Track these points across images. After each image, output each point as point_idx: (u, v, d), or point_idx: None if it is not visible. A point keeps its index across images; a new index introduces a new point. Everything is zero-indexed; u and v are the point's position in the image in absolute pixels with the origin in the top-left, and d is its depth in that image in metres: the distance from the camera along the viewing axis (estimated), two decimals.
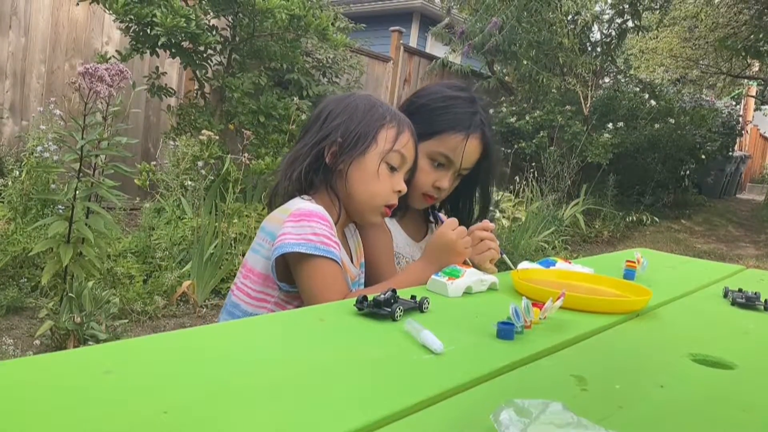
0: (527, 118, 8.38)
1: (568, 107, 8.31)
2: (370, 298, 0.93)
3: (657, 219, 8.76)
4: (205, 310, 3.73)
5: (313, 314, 0.91)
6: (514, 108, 8.78)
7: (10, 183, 3.96)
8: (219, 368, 0.70)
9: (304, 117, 5.00)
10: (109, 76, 3.07)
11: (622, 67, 9.80)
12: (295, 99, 5.24)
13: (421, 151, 1.45)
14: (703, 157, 9.80)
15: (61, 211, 3.45)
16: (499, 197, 6.23)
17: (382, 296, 0.92)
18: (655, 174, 9.06)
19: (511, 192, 6.75)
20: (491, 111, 8.55)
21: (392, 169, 1.31)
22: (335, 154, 1.30)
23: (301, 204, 1.24)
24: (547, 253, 5.59)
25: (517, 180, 6.85)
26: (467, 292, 1.13)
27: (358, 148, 1.28)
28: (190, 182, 4.39)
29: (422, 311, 0.97)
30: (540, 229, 5.92)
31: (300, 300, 1.23)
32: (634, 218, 8.41)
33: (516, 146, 8.13)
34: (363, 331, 0.86)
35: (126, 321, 3.17)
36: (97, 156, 3.22)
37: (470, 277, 1.13)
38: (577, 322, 1.00)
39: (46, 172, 3.40)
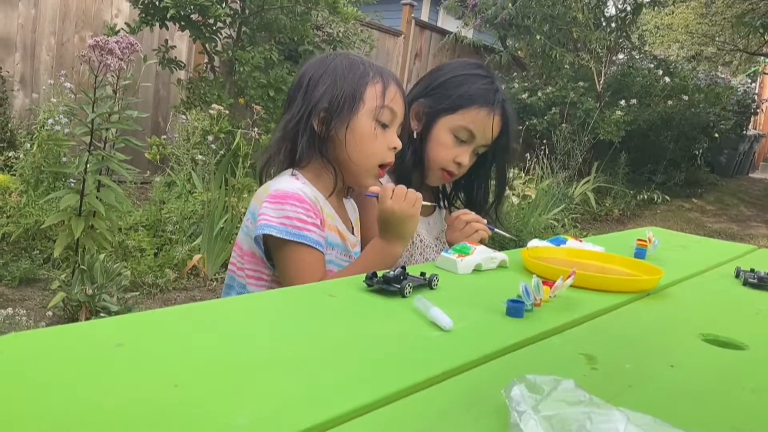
0: (539, 94, 8.30)
1: (580, 83, 8.22)
2: (379, 274, 0.93)
3: (668, 198, 8.69)
4: (215, 283, 3.75)
5: (323, 290, 0.91)
6: (526, 84, 8.69)
7: (21, 156, 3.98)
8: (229, 342, 0.70)
9: None
10: (119, 49, 3.06)
11: (636, 43, 9.66)
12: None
13: (443, 126, 1.47)
14: (717, 135, 9.70)
15: (72, 184, 3.47)
16: (510, 175, 6.20)
17: (392, 273, 0.92)
18: (668, 152, 8.98)
19: (521, 169, 6.72)
20: (503, 87, 8.48)
21: (383, 126, 1.28)
22: (324, 122, 1.26)
23: (280, 184, 1.23)
24: (556, 231, 5.57)
25: (528, 157, 6.81)
26: (477, 269, 1.13)
27: (347, 111, 1.25)
28: (200, 156, 4.39)
29: (431, 288, 0.97)
30: (550, 207, 5.89)
31: None
32: (645, 197, 8.36)
33: (527, 123, 8.07)
34: (372, 308, 0.86)
35: (137, 293, 3.20)
36: (107, 129, 3.23)
37: (480, 254, 1.13)
38: (588, 301, 1.00)
39: (57, 145, 3.40)
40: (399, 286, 0.90)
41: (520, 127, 8.00)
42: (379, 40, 8.08)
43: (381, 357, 0.70)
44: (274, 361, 0.66)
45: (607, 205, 7.57)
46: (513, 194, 6.11)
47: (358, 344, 0.73)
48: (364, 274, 0.93)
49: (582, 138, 7.62)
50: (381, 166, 1.29)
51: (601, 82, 8.31)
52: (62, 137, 3.62)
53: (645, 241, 1.50)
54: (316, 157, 1.28)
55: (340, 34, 6.16)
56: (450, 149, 1.47)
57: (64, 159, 3.74)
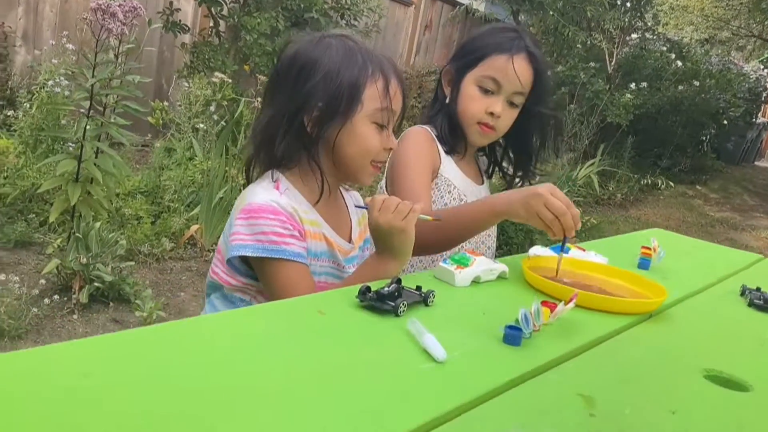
0: (549, 73, 8.17)
1: (591, 64, 8.09)
2: (373, 288, 0.89)
3: (672, 183, 8.63)
4: (212, 254, 3.72)
5: (313, 305, 0.87)
6: None
7: (21, 115, 3.92)
8: (208, 368, 0.66)
9: None
10: (122, 12, 2.99)
11: (650, 23, 9.49)
12: None
13: (469, 81, 1.46)
14: (726, 122, 9.59)
15: (71, 148, 3.42)
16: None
17: (386, 289, 0.88)
18: (675, 137, 8.89)
19: None
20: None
21: (382, 127, 1.18)
22: (317, 122, 1.14)
23: (255, 197, 1.13)
24: None
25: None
26: (476, 281, 1.09)
27: (344, 113, 1.14)
28: (201, 125, 4.33)
29: (427, 305, 0.93)
30: None
31: None
32: (649, 181, 8.30)
33: None
34: (364, 328, 0.82)
35: (132, 263, 3.17)
36: (107, 95, 3.17)
37: (479, 266, 1.09)
38: (588, 324, 0.96)
39: (55, 108, 3.35)
40: (393, 304, 0.87)
41: None
42: (389, 9, 7.93)
43: (368, 392, 0.66)
44: (255, 390, 0.62)
45: (611, 189, 7.52)
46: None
47: (344, 374, 0.69)
48: (358, 288, 0.89)
49: (590, 120, 7.53)
50: (374, 162, 1.20)
51: (612, 63, 8.19)
52: (62, 100, 3.55)
53: (650, 250, 1.46)
54: (305, 160, 1.17)
55: (349, 2, 6.04)
56: (479, 101, 1.45)
57: (64, 122, 3.68)
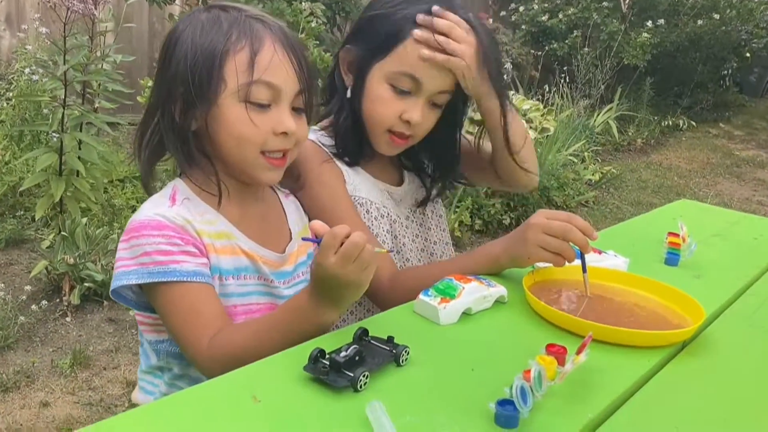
0: (560, 15, 7.81)
1: (604, 3, 7.72)
2: (327, 351, 0.70)
3: (694, 123, 8.31)
4: None
5: (246, 386, 0.68)
6: (546, 5, 8.17)
7: (4, 105, 3.74)
8: None
9: (314, 24, 4.61)
10: None
11: None
12: (304, 2, 4.82)
13: (377, 76, 1.14)
14: (748, 55, 9.17)
15: (54, 139, 3.24)
16: (528, 107, 5.85)
17: (344, 352, 0.69)
18: (695, 74, 8.53)
19: (539, 100, 6.36)
20: (521, 9, 7.99)
21: (261, 106, 0.96)
22: (183, 112, 0.96)
23: (138, 213, 0.96)
24: (575, 168, 5.27)
25: (546, 88, 6.43)
26: (466, 313, 0.89)
27: (206, 96, 0.94)
28: None
29: (399, 365, 0.74)
30: (570, 141, 5.57)
31: None
32: (670, 123, 7.98)
33: (547, 48, 7.63)
34: (309, 417, 0.63)
35: None
36: (82, 81, 2.97)
37: (470, 294, 0.89)
38: (605, 372, 0.77)
39: (27, 100, 3.16)
40: (351, 376, 0.67)
41: (539, 53, 7.58)
42: None
43: None
44: None
45: (630, 134, 7.22)
46: (530, 128, 5.79)
47: None
48: (306, 353, 0.70)
49: (605, 63, 7.20)
50: (266, 154, 0.98)
51: (626, 1, 7.79)
52: (40, 89, 3.36)
53: (678, 238, 1.25)
54: (201, 157, 0.98)
55: None
56: (392, 103, 1.13)
57: (46, 111, 3.49)
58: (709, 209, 1.70)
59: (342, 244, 0.80)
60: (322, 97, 1.22)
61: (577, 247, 0.98)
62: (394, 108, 1.13)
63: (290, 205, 1.14)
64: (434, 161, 1.30)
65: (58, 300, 2.78)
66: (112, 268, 2.93)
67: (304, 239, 1.05)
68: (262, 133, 0.95)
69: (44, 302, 2.69)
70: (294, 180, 1.12)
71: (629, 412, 0.71)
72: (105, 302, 2.83)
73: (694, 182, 6.06)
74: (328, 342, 0.74)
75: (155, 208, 0.95)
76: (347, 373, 0.68)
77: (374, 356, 0.72)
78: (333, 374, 0.68)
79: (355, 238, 0.80)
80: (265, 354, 0.75)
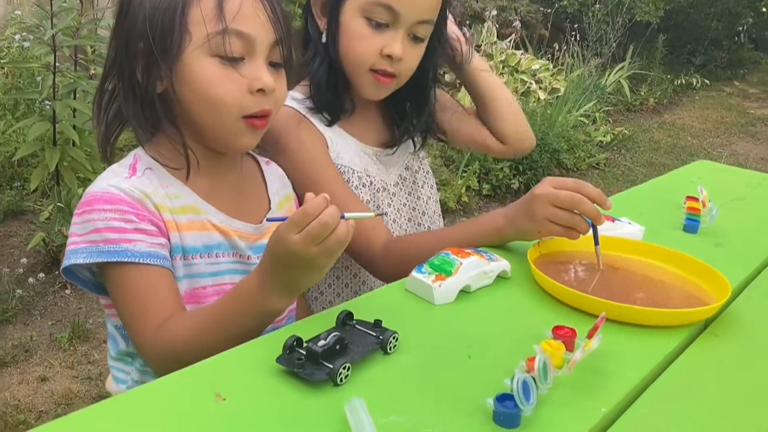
0: None
1: None
2: (305, 339, 0.62)
3: (708, 81, 8.11)
4: None
5: (207, 384, 0.60)
6: None
7: None
8: None
9: None
10: None
11: None
12: None
13: (351, 10, 1.05)
14: (765, 10, 8.90)
15: (48, 105, 3.15)
16: (538, 67, 5.69)
17: (323, 341, 0.61)
18: (709, 31, 8.29)
19: (549, 59, 6.19)
20: None
21: (233, 60, 0.85)
22: (145, 70, 0.85)
23: (94, 185, 0.87)
24: (586, 129, 5.14)
25: (556, 46, 6.26)
26: (465, 291, 0.81)
27: (168, 51, 0.83)
28: None
29: (387, 352, 0.66)
30: (581, 102, 5.42)
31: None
32: (683, 81, 7.79)
33: (556, 5, 7.41)
34: (281, 416, 0.55)
35: None
36: (73, 47, 2.87)
37: (468, 270, 0.80)
38: (618, 360, 0.68)
39: (17, 67, 3.06)
40: (330, 368, 0.59)
41: (549, 11, 7.37)
42: None
43: None
44: None
45: (643, 93, 7.05)
46: (540, 88, 5.65)
47: None
48: (281, 343, 0.62)
49: (616, 20, 6.99)
50: (245, 118, 0.88)
51: None
52: (32, 55, 3.26)
53: (697, 203, 1.15)
54: (165, 123, 0.88)
55: None
56: (369, 39, 1.05)
57: (39, 78, 3.40)
58: (728, 170, 1.60)
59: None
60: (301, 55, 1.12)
61: (589, 219, 0.88)
62: (372, 43, 1.05)
63: (272, 173, 1.04)
64: (414, 104, 1.20)
65: (57, 272, 2.73)
66: None
67: (269, 220, 0.95)
68: (237, 92, 0.85)
69: (41, 275, 2.63)
70: (272, 145, 1.03)
71: (648, 404, 0.63)
72: None
73: (708, 142, 5.92)
74: (306, 329, 0.66)
75: (112, 178, 0.86)
76: (326, 364, 0.60)
77: (358, 344, 0.64)
78: (310, 366, 0.60)
79: (326, 218, 0.69)
80: (207, 353, 0.67)
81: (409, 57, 1.08)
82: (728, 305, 0.84)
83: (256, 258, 0.94)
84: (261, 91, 0.86)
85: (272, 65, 0.89)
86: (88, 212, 0.83)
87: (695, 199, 1.17)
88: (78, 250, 0.82)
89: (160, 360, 0.78)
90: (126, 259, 0.81)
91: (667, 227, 1.12)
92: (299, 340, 0.62)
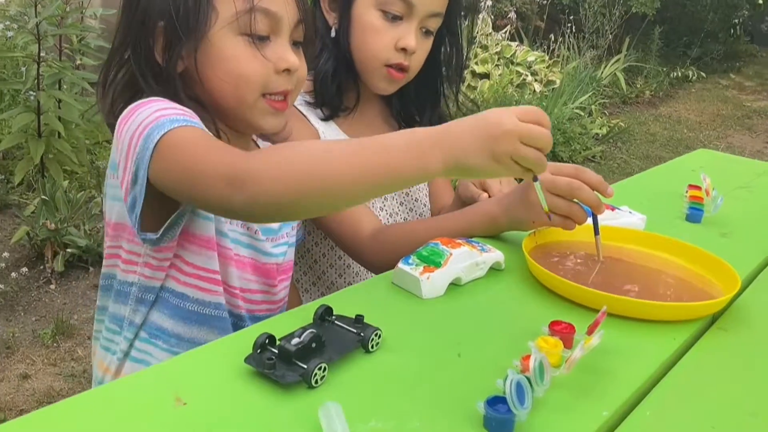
0: None
1: None
2: (278, 338, 0.56)
3: (704, 74, 8.09)
4: None
5: (167, 386, 0.54)
6: None
7: None
8: None
9: None
10: None
11: None
12: None
13: (364, 4, 1.04)
14: (761, 2, 8.87)
15: (32, 98, 3.09)
16: (533, 59, 5.64)
17: (297, 338, 0.55)
18: (705, 23, 8.26)
19: (544, 51, 6.13)
20: None
21: (260, 38, 0.84)
22: (166, 50, 0.83)
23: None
24: (581, 122, 5.08)
25: (552, 38, 6.21)
26: (455, 284, 0.75)
27: (193, 30, 0.81)
28: None
29: (368, 351, 0.60)
30: (576, 94, 5.37)
31: (177, 256, 0.85)
32: (679, 74, 7.75)
33: None
34: (248, 423, 0.50)
35: None
36: (58, 36, 2.80)
37: (459, 261, 0.75)
38: (620, 359, 0.63)
39: (1, 56, 2.99)
40: (304, 368, 0.53)
41: (544, 2, 7.32)
42: None
43: None
44: None
45: (639, 86, 7.01)
46: (535, 80, 5.60)
47: None
48: (251, 341, 0.56)
49: (613, 12, 6.94)
50: (268, 96, 0.86)
51: None
52: (16, 45, 3.19)
53: (700, 191, 1.10)
54: (188, 103, 0.84)
55: None
56: (384, 32, 1.03)
57: (24, 68, 3.33)
58: (731, 159, 1.55)
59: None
60: None
61: (588, 207, 0.83)
62: (387, 36, 1.03)
63: None
64: (421, 107, 1.17)
65: (41, 267, 2.66)
66: (96, 233, 2.80)
67: None
68: (264, 71, 0.83)
69: (24, 269, 2.57)
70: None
71: (653, 406, 0.57)
72: (90, 268, 2.72)
73: (704, 135, 5.88)
74: (281, 325, 0.61)
75: None
76: (300, 364, 0.54)
77: (337, 342, 0.58)
78: (281, 367, 0.54)
79: (546, 136, 0.69)
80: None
81: (421, 51, 1.07)
82: (737, 298, 0.78)
83: (263, 237, 0.91)
84: (287, 70, 0.84)
85: (294, 44, 0.87)
86: (142, 105, 0.78)
87: (697, 188, 1.12)
88: (163, 123, 0.75)
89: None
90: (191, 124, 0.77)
91: (670, 217, 1.06)
92: (272, 338, 0.56)
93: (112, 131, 0.87)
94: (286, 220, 0.94)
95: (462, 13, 1.15)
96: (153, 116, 0.75)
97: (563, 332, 0.62)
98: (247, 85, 0.83)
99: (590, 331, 0.59)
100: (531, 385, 0.52)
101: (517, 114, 0.71)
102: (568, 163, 4.55)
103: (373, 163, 0.67)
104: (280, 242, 0.95)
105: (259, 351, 0.55)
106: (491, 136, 0.69)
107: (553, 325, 0.64)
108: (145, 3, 0.82)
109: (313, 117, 1.09)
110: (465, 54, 1.17)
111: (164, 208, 0.80)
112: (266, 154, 0.75)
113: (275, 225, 0.94)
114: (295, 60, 0.85)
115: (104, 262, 0.90)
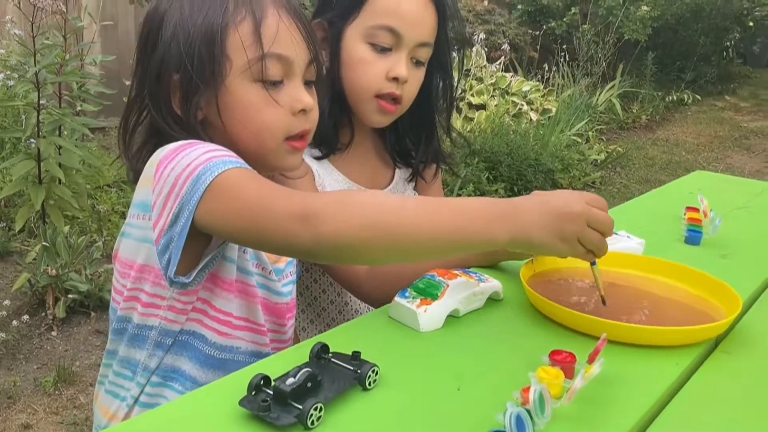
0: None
1: None
2: (273, 378, 0.55)
3: (699, 97, 8.14)
4: None
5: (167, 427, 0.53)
6: None
7: None
8: None
9: None
10: None
11: None
12: None
13: (353, 37, 1.05)
14: (751, 24, 8.97)
15: (33, 145, 3.11)
16: (528, 88, 5.68)
17: (292, 378, 0.54)
18: (698, 47, 8.34)
19: (539, 80, 6.19)
20: None
21: (273, 84, 0.85)
22: (183, 100, 0.84)
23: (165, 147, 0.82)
24: (579, 148, 5.10)
25: (546, 67, 6.27)
26: (453, 315, 0.74)
27: (209, 79, 0.82)
28: None
29: (366, 388, 0.59)
30: (573, 121, 5.40)
31: (201, 300, 0.85)
32: (675, 98, 7.81)
33: (545, 27, 7.45)
34: None
35: (112, 266, 2.88)
36: (58, 83, 2.83)
37: (456, 293, 0.74)
38: (623, 387, 0.61)
39: (1, 105, 3.02)
40: (300, 409, 0.53)
41: (537, 33, 7.41)
42: None
43: None
44: None
45: (635, 111, 7.06)
46: (531, 109, 5.64)
47: None
48: (245, 383, 0.55)
49: (605, 39, 7.02)
50: (289, 140, 0.88)
51: None
52: (16, 93, 3.23)
53: (698, 213, 1.09)
54: None
55: None
56: (374, 64, 1.04)
57: (24, 116, 3.37)
58: (728, 179, 1.55)
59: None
60: None
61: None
62: (377, 67, 1.04)
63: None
64: (416, 141, 1.17)
65: (43, 314, 2.65)
66: (98, 277, 2.79)
67: None
68: (282, 116, 0.85)
69: (26, 317, 2.56)
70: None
71: None
72: (92, 313, 2.71)
73: (702, 157, 5.89)
74: (276, 365, 0.60)
75: None
76: (295, 405, 0.53)
77: (333, 380, 0.57)
78: (276, 408, 0.53)
79: (609, 222, 0.75)
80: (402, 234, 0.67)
81: (412, 80, 1.07)
82: (739, 320, 0.77)
83: (275, 277, 0.91)
84: (302, 111, 0.86)
85: (306, 83, 0.89)
86: (188, 147, 0.78)
87: (695, 210, 1.12)
88: (212, 166, 0.75)
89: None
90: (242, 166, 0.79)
91: (668, 240, 1.06)
92: (266, 379, 0.56)
93: (136, 178, 0.88)
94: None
95: (456, 47, 1.16)
96: (203, 158, 0.76)
97: (564, 362, 0.61)
98: (268, 132, 0.85)
99: (591, 360, 0.58)
100: (531, 417, 0.51)
101: (585, 199, 0.76)
102: (568, 189, 4.56)
103: (445, 224, 0.70)
104: (286, 281, 0.96)
105: (253, 392, 0.55)
106: (561, 216, 0.74)
107: (554, 354, 0.63)
108: (159, 56, 0.83)
109: (308, 156, 1.09)
110: (456, 85, 1.17)
111: (192, 251, 0.81)
112: (337, 195, 0.76)
113: (281, 265, 0.94)
114: (309, 100, 0.87)
115: (119, 306, 0.88)
